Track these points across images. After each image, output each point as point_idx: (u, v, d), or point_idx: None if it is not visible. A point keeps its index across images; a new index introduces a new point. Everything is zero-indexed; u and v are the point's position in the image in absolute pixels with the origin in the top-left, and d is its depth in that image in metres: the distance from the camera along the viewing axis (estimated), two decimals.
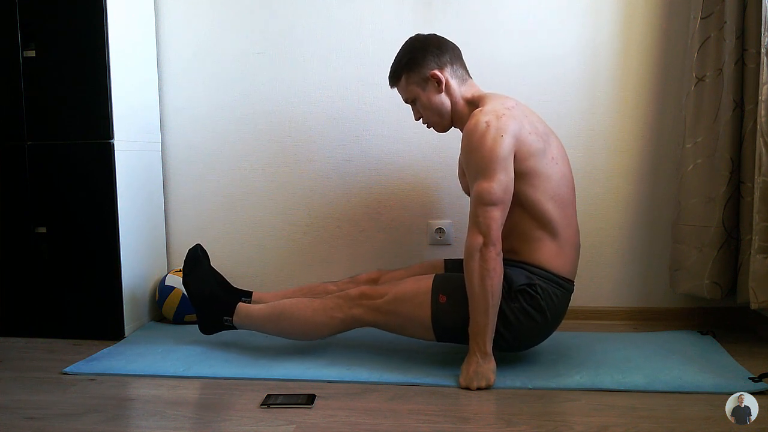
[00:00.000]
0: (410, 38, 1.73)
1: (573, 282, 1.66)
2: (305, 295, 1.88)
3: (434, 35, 1.72)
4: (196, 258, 1.88)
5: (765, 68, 1.70)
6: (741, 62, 1.81)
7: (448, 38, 1.73)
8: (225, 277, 1.95)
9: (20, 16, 1.95)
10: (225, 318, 1.80)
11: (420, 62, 1.67)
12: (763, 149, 1.73)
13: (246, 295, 1.94)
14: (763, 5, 1.72)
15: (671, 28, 2.06)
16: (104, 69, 1.93)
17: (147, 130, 2.19)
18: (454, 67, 1.69)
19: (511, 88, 2.06)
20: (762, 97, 1.71)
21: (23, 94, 1.98)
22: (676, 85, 2.07)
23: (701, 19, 1.88)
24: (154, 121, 2.24)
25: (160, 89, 2.29)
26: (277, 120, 2.25)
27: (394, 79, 1.73)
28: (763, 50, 1.71)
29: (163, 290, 2.13)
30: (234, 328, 1.81)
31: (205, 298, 1.82)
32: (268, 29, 2.23)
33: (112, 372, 1.68)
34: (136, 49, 2.13)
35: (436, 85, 1.67)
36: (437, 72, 1.66)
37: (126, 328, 2.01)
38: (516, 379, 1.56)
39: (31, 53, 1.96)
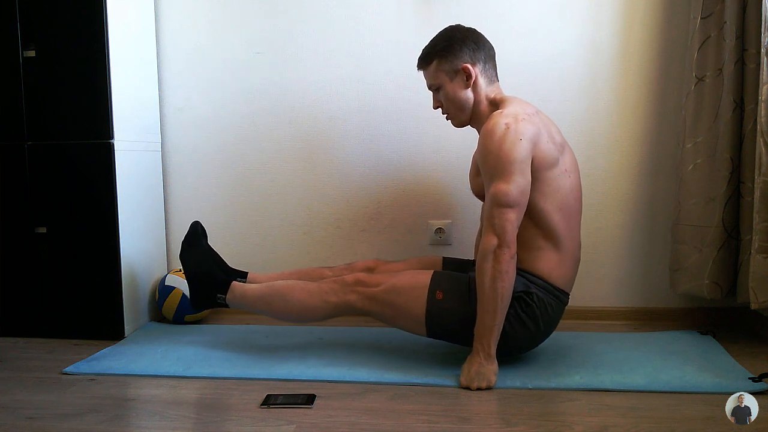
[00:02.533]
0: (450, 26, 1.71)
1: (569, 295, 1.66)
2: (301, 278, 1.86)
3: (474, 30, 1.70)
4: (196, 234, 1.87)
5: (765, 68, 1.70)
6: (741, 62, 1.81)
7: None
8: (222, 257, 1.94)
9: (20, 16, 1.95)
10: (218, 295, 1.79)
11: (455, 52, 1.65)
12: (763, 149, 1.73)
13: (242, 275, 1.92)
14: (763, 5, 1.72)
15: (671, 28, 2.06)
16: (104, 69, 1.93)
17: (147, 130, 2.19)
18: (486, 66, 1.68)
19: (512, 88, 2.05)
20: (762, 97, 1.71)
21: (23, 94, 1.98)
22: (676, 85, 2.07)
23: (701, 19, 1.88)
24: (154, 121, 2.24)
25: (160, 89, 2.29)
26: (276, 120, 2.25)
27: (425, 62, 1.70)
28: (763, 50, 1.71)
29: (163, 290, 2.13)
30: (226, 306, 1.80)
31: (200, 273, 1.81)
32: (267, 29, 2.23)
33: (112, 372, 1.68)
34: (136, 48, 2.13)
35: (465, 79, 1.66)
36: (469, 66, 1.64)
37: (126, 328, 2.01)
38: (516, 379, 1.56)
39: (31, 53, 1.96)
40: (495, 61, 1.71)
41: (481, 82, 1.67)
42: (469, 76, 1.65)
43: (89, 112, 1.95)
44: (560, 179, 1.59)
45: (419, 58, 1.72)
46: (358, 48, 2.19)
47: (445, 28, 1.71)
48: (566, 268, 1.63)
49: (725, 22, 1.82)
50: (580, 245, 1.69)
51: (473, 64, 1.65)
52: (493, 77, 1.70)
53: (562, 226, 1.59)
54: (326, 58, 2.21)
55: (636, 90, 2.10)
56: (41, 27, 1.95)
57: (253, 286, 1.79)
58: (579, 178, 1.68)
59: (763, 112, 1.71)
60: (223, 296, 1.79)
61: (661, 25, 2.07)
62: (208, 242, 1.91)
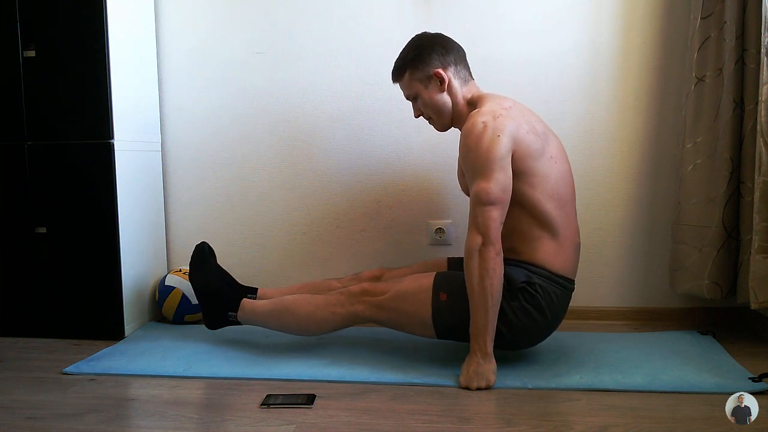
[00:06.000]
0: (416, 35, 1.74)
1: (573, 281, 1.66)
2: (309, 291, 1.89)
3: (440, 34, 1.73)
4: (203, 255, 1.89)
5: (765, 68, 1.70)
6: (741, 62, 1.81)
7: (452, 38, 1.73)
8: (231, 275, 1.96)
9: (20, 16, 1.95)
10: (230, 314, 1.82)
11: (425, 60, 1.67)
12: (763, 149, 1.73)
13: (251, 292, 1.94)
14: (763, 5, 1.72)
15: (671, 28, 2.06)
16: (104, 69, 1.93)
17: (147, 130, 2.19)
18: (458, 67, 1.70)
19: (512, 88, 2.06)
20: (762, 97, 1.71)
21: (23, 94, 1.98)
22: (676, 85, 2.07)
23: (701, 19, 1.88)
24: (154, 121, 2.24)
25: (160, 89, 2.29)
26: (277, 120, 2.25)
27: (398, 74, 1.73)
28: (763, 50, 1.71)
29: (163, 290, 2.13)
30: (238, 323, 1.82)
31: (210, 293, 1.83)
32: (268, 29, 2.23)
33: (112, 372, 1.68)
34: (136, 49, 2.13)
35: (439, 83, 1.68)
36: (441, 71, 1.67)
37: (126, 328, 2.01)
38: (516, 379, 1.56)
39: (31, 53, 1.96)
40: (466, 61, 1.74)
41: (455, 84, 1.69)
42: (442, 80, 1.67)
43: (89, 112, 1.95)
44: (547, 167, 1.59)
45: (392, 72, 1.75)
46: (358, 48, 2.19)
47: (412, 38, 1.74)
48: (566, 255, 1.63)
49: (725, 22, 1.82)
50: (578, 231, 1.69)
51: (444, 68, 1.68)
52: (467, 77, 1.72)
53: (556, 214, 1.60)
54: (326, 58, 2.21)
55: (636, 90, 2.10)
56: (41, 27, 1.95)
57: (262, 302, 1.81)
58: (568, 164, 1.68)
59: (763, 112, 1.71)
60: (234, 314, 1.81)
61: (661, 25, 2.07)
62: (217, 261, 1.93)
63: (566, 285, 1.63)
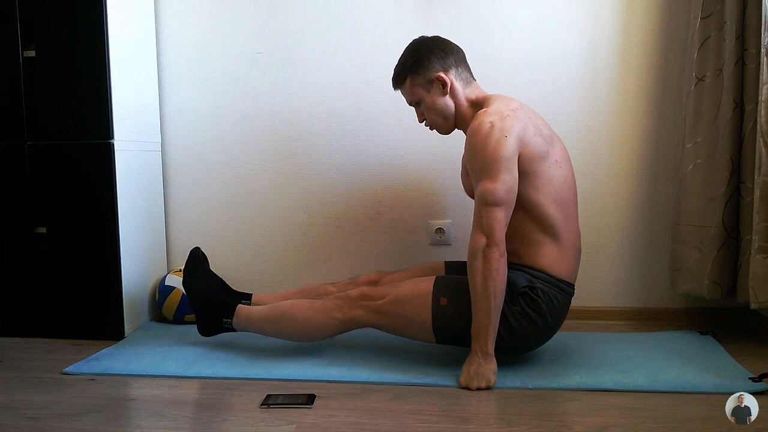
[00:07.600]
0: (414, 40, 1.73)
1: (573, 286, 1.66)
2: (305, 296, 1.88)
3: (438, 37, 1.72)
4: (197, 260, 1.88)
5: (765, 68, 1.70)
6: (741, 62, 1.81)
7: (450, 40, 1.73)
8: (224, 280, 1.95)
9: (20, 16, 1.95)
10: (224, 320, 1.80)
11: (425, 64, 1.66)
12: (763, 149, 1.73)
13: (245, 298, 1.94)
14: (763, 5, 1.72)
15: (671, 28, 2.06)
16: (104, 69, 1.93)
17: (147, 130, 2.19)
18: (459, 69, 1.68)
19: (512, 88, 2.06)
20: (762, 97, 1.71)
21: (23, 94, 1.98)
22: (676, 85, 2.07)
23: (701, 19, 1.88)
24: (154, 121, 2.24)
25: (160, 89, 2.29)
26: (277, 120, 2.25)
27: (399, 81, 1.72)
28: (763, 50, 1.71)
29: (163, 290, 2.13)
30: (233, 330, 1.81)
31: (204, 299, 1.82)
32: (268, 29, 2.23)
33: (112, 372, 1.68)
34: (136, 49, 2.13)
35: (441, 87, 1.67)
36: (442, 74, 1.65)
37: (126, 328, 2.01)
38: (516, 379, 1.56)
39: (31, 53, 1.97)
40: (466, 62, 1.72)
41: (458, 86, 1.68)
42: (444, 84, 1.66)
43: (89, 112, 1.95)
44: (552, 171, 1.59)
45: (392, 79, 1.73)
46: (359, 48, 2.19)
47: (410, 43, 1.73)
48: (567, 259, 1.63)
49: (725, 22, 1.82)
50: (580, 235, 1.69)
51: (446, 71, 1.66)
52: (469, 78, 1.71)
53: (558, 218, 1.59)
54: (327, 58, 2.21)
55: (636, 90, 2.10)
56: (41, 27, 1.95)
57: (258, 308, 1.79)
58: (571, 168, 1.68)
59: (763, 112, 1.71)
60: (229, 320, 1.80)
61: (661, 25, 2.07)
62: (209, 266, 1.92)
63: (567, 289, 1.63)
